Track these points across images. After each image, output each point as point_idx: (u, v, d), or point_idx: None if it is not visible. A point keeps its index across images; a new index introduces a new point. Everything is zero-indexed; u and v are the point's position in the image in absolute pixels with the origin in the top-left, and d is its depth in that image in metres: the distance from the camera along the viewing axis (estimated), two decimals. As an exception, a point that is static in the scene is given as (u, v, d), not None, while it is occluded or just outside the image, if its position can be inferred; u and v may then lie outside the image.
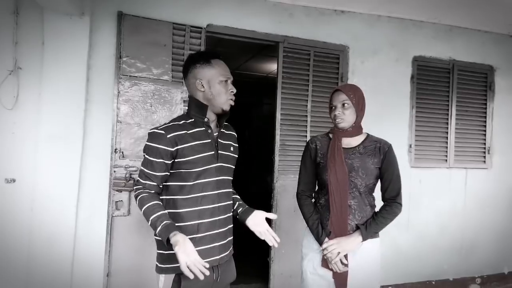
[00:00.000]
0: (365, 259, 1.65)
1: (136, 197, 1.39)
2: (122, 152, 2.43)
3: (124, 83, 2.43)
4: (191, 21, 2.60)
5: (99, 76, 2.40)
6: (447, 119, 3.32)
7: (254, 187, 6.53)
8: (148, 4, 2.52)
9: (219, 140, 1.45)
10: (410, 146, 3.21)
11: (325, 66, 2.98)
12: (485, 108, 3.45)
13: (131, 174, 2.42)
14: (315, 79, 2.93)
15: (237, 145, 1.58)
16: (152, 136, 1.36)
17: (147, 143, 1.36)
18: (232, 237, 1.54)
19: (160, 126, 1.38)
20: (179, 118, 1.43)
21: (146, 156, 1.37)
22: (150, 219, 1.32)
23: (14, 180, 2.23)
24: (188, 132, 1.38)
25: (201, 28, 2.62)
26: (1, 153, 2.20)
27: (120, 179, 2.41)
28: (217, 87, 1.40)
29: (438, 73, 3.31)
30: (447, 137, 3.31)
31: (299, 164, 1.83)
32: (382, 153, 1.70)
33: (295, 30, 2.89)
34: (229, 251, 1.50)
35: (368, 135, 1.77)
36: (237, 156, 1.57)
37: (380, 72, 3.14)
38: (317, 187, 1.81)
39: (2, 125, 2.20)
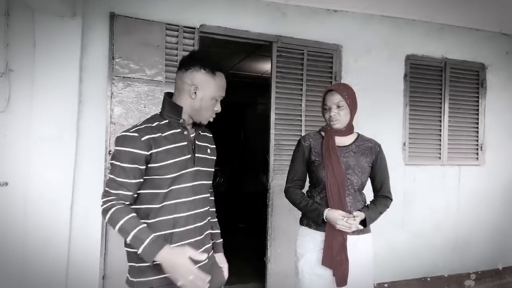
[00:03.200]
0: (360, 255, 1.67)
1: (106, 210, 1.18)
2: (116, 154, 2.41)
3: (117, 84, 2.42)
4: (184, 21, 2.59)
5: (92, 78, 2.39)
6: (440, 116, 3.34)
7: (250, 187, 6.54)
8: (140, 4, 2.51)
9: (196, 142, 1.36)
10: (404, 144, 3.23)
11: (319, 65, 2.99)
12: (477, 105, 3.48)
13: (125, 175, 2.41)
14: (309, 78, 2.94)
15: (214, 146, 1.49)
16: (123, 140, 1.21)
17: (118, 148, 1.21)
18: (211, 243, 1.44)
19: (131, 129, 1.25)
20: (151, 119, 1.30)
21: (117, 163, 1.21)
22: (133, 233, 1.15)
23: (6, 184, 2.20)
24: (162, 134, 1.26)
25: (194, 28, 2.61)
26: (-7, 156, 2.18)
27: (115, 180, 2.39)
28: (208, 103, 1.31)
29: (431, 71, 3.34)
30: (440, 135, 3.34)
31: None
32: (374, 153, 1.75)
33: (288, 30, 2.90)
34: (207, 259, 1.36)
35: (358, 134, 1.80)
36: (215, 158, 1.47)
37: (374, 70, 3.15)
38: (309, 186, 1.81)
39: (-6, 128, 2.18)
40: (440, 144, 3.34)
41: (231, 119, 7.60)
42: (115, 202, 1.20)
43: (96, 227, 2.38)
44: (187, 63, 1.32)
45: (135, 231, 1.15)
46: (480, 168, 3.49)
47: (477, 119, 3.48)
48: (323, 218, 1.61)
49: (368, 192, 1.79)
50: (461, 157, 3.43)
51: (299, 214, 1.81)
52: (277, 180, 2.86)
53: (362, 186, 1.73)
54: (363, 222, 1.64)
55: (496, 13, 3.16)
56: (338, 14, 3.08)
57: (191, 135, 1.36)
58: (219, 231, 1.54)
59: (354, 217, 1.59)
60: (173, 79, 2.51)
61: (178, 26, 2.56)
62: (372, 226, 1.73)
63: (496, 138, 3.55)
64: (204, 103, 1.31)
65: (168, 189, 1.25)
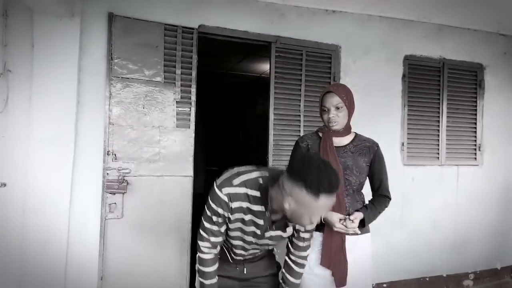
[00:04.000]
0: (359, 254, 1.67)
1: (200, 253, 1.43)
2: (115, 154, 2.41)
3: (115, 84, 2.42)
4: (183, 22, 2.59)
5: (90, 78, 2.39)
6: (438, 117, 3.35)
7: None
8: (139, 5, 2.51)
9: (274, 224, 1.40)
10: (403, 144, 3.24)
11: (318, 66, 3.00)
12: (475, 106, 3.49)
13: (124, 176, 2.41)
14: (307, 78, 2.95)
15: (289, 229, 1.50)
16: (215, 196, 1.34)
17: (210, 201, 1.35)
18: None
19: (226, 184, 1.33)
20: (250, 183, 1.33)
21: (208, 213, 1.37)
22: (207, 284, 1.42)
23: (4, 184, 2.20)
24: (250, 205, 1.34)
25: (193, 29, 2.61)
26: (-9, 157, 2.18)
27: (113, 181, 2.39)
28: (303, 218, 1.24)
29: (429, 72, 3.34)
30: (438, 135, 3.35)
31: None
32: (372, 152, 1.75)
33: (287, 30, 2.90)
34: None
35: (356, 134, 1.80)
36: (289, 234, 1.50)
37: (372, 71, 3.16)
38: None
39: (-8, 129, 2.18)
40: (438, 145, 3.35)
41: (230, 119, 7.61)
42: (207, 249, 1.43)
43: (95, 227, 2.37)
44: (294, 171, 1.19)
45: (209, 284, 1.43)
46: (478, 168, 3.50)
47: (475, 119, 3.48)
48: (321, 220, 1.61)
49: (367, 193, 1.80)
50: (459, 157, 3.43)
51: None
52: (276, 180, 2.85)
53: (361, 186, 1.73)
54: (362, 222, 1.64)
55: (494, 13, 3.17)
56: (336, 14, 3.08)
57: (273, 218, 1.38)
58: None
59: (352, 219, 1.59)
60: (172, 79, 2.53)
61: (176, 26, 2.56)
62: (371, 226, 1.74)
63: (494, 138, 3.56)
64: (295, 215, 1.25)
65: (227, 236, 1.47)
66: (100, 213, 2.38)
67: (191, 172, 2.59)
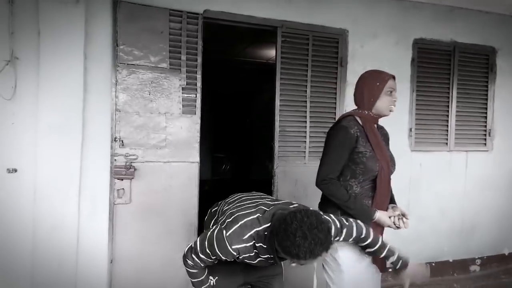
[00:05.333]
0: None
1: (187, 267, 1.53)
2: (122, 141, 2.44)
3: (121, 71, 2.42)
4: (188, 7, 2.56)
5: (96, 65, 2.39)
6: (448, 102, 3.30)
7: (256, 174, 6.56)
8: (143, -10, 2.48)
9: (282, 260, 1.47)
10: (411, 130, 3.20)
11: (324, 51, 2.95)
12: (486, 91, 3.42)
13: (131, 162, 2.43)
14: (314, 64, 2.91)
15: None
16: (222, 247, 1.35)
17: (216, 246, 1.36)
18: None
19: (235, 240, 1.34)
20: (258, 236, 1.37)
21: (207, 249, 1.39)
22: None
23: (15, 170, 2.24)
24: (258, 254, 1.40)
25: (198, 14, 2.59)
26: (1, 143, 2.21)
27: (121, 167, 2.42)
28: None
29: (439, 56, 3.27)
30: (447, 120, 3.30)
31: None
32: (387, 140, 1.81)
33: (293, 15, 2.85)
34: None
35: None
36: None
37: (380, 55, 3.10)
38: (345, 175, 1.67)
39: (2, 116, 2.20)
40: (447, 130, 3.31)
41: (237, 106, 7.60)
42: (194, 266, 1.54)
43: (104, 213, 2.42)
44: (282, 245, 1.23)
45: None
46: (488, 154, 3.46)
47: (486, 104, 3.42)
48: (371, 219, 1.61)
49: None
50: (468, 143, 3.39)
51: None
52: (282, 166, 2.86)
53: None
54: None
55: (507, -6, 3.07)
56: (344, -3, 3.01)
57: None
58: None
59: (407, 218, 1.65)
60: (178, 65, 2.52)
61: (181, 12, 2.53)
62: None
63: (505, 123, 3.50)
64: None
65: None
66: (108, 198, 2.42)
67: (197, 158, 2.61)
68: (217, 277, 1.57)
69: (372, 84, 1.69)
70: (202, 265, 1.48)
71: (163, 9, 2.49)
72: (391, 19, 3.14)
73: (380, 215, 1.62)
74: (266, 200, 1.55)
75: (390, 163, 1.68)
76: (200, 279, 1.55)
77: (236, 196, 1.71)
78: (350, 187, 1.65)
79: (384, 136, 1.78)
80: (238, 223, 1.37)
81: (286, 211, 1.32)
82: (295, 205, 1.48)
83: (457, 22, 3.32)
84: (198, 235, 2.56)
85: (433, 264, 3.31)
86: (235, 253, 1.35)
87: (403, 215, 1.67)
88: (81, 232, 2.36)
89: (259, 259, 1.41)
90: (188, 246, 1.50)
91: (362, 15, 3.05)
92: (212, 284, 1.58)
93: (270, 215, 1.37)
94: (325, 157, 1.66)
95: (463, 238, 3.41)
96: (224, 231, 1.36)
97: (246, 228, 1.36)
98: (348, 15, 3.01)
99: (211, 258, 1.42)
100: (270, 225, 1.34)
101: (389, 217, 1.64)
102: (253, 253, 1.39)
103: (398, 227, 1.65)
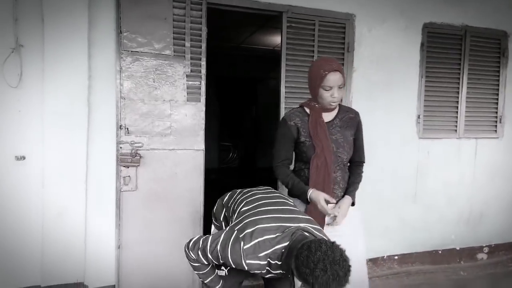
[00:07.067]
0: (346, 228, 1.70)
1: (191, 262, 1.53)
2: (127, 128, 2.44)
3: (126, 58, 2.41)
4: (191, -8, 2.53)
5: (100, 52, 2.38)
6: (458, 88, 3.22)
7: (263, 162, 6.57)
8: (146, -25, 2.45)
9: None
10: (419, 116, 3.15)
11: (331, 36, 2.90)
12: (498, 76, 3.33)
13: (136, 150, 2.45)
14: (320, 50, 2.86)
15: None
16: (237, 256, 1.35)
17: (230, 254, 1.35)
18: None
19: (251, 256, 1.34)
20: (273, 255, 1.35)
21: (217, 251, 1.39)
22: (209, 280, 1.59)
23: (24, 157, 2.28)
24: (270, 270, 1.39)
25: (201, 0, 2.55)
26: (9, 130, 2.24)
27: (126, 155, 2.43)
28: None
29: (450, 40, 3.19)
30: (457, 107, 3.24)
31: None
32: (355, 123, 1.77)
33: (299, -1, 2.80)
34: None
35: (340, 105, 1.77)
36: None
37: (389, 40, 3.04)
38: (296, 159, 1.83)
39: (8, 103, 2.23)
40: (456, 117, 3.25)
41: (243, 94, 7.56)
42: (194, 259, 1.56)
43: (111, 199, 2.45)
44: (300, 273, 1.19)
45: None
46: (498, 141, 3.39)
47: (497, 90, 3.34)
48: (307, 199, 1.65)
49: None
50: (478, 129, 3.33)
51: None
52: (288, 154, 2.85)
53: (349, 158, 1.77)
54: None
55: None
56: (351, -19, 2.94)
57: None
58: None
59: (338, 212, 1.64)
60: (182, 52, 2.50)
61: (185, -3, 2.50)
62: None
63: (517, 110, 3.42)
64: None
65: None
66: (115, 185, 2.45)
67: (202, 145, 2.61)
68: (229, 267, 1.55)
69: (313, 78, 1.72)
70: (206, 263, 1.48)
71: (166, -5, 2.45)
72: (400, 3, 3.05)
73: (314, 195, 1.62)
74: (285, 208, 1.52)
75: (332, 151, 1.67)
76: (204, 271, 1.54)
77: (252, 194, 1.65)
78: (303, 172, 1.77)
79: (349, 120, 1.76)
80: (257, 239, 1.35)
81: (309, 235, 1.31)
82: (308, 217, 1.47)
83: (469, 6, 3.22)
84: (204, 223, 2.60)
85: (440, 251, 3.29)
86: (246, 267, 1.35)
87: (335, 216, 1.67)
88: (89, 218, 2.40)
89: (270, 274, 1.41)
90: (193, 241, 1.49)
91: (370, -1, 2.97)
92: (225, 274, 1.58)
93: (289, 233, 1.35)
94: (273, 147, 1.82)
95: (471, 226, 3.38)
96: (242, 243, 1.34)
97: (265, 246, 1.34)
98: (355, -1, 2.94)
99: (219, 262, 1.41)
100: (290, 245, 1.31)
101: (328, 204, 1.62)
102: (265, 270, 1.38)
103: (330, 216, 1.66)
